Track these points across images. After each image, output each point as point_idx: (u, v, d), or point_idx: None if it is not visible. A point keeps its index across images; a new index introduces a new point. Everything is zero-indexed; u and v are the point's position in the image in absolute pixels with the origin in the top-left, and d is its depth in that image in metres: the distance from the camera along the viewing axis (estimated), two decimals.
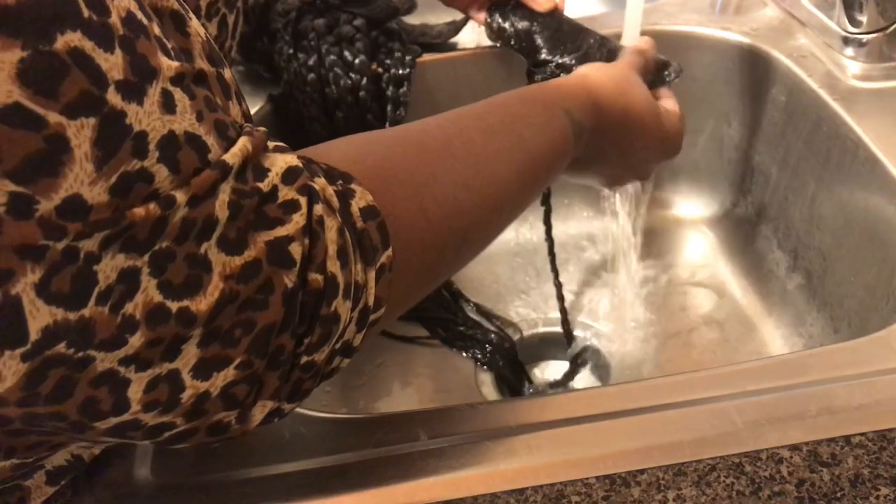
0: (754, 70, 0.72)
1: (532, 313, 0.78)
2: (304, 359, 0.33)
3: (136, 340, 0.27)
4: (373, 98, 0.69)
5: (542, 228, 0.73)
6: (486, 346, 0.73)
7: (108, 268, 0.26)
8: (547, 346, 0.76)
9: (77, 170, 0.24)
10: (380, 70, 0.70)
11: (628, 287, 0.77)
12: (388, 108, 0.70)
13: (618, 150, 0.55)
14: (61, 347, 0.25)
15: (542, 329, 0.77)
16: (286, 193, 0.31)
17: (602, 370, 0.73)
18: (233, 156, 0.29)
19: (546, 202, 0.71)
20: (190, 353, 0.29)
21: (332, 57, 0.68)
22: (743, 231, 0.78)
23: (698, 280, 0.79)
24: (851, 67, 0.66)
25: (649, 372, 0.71)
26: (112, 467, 0.41)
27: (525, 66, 0.66)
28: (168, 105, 0.27)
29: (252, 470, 0.41)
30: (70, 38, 0.23)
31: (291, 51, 0.69)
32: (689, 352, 0.73)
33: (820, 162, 0.66)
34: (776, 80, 0.70)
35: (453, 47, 0.76)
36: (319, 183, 0.33)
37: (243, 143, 0.30)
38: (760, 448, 0.39)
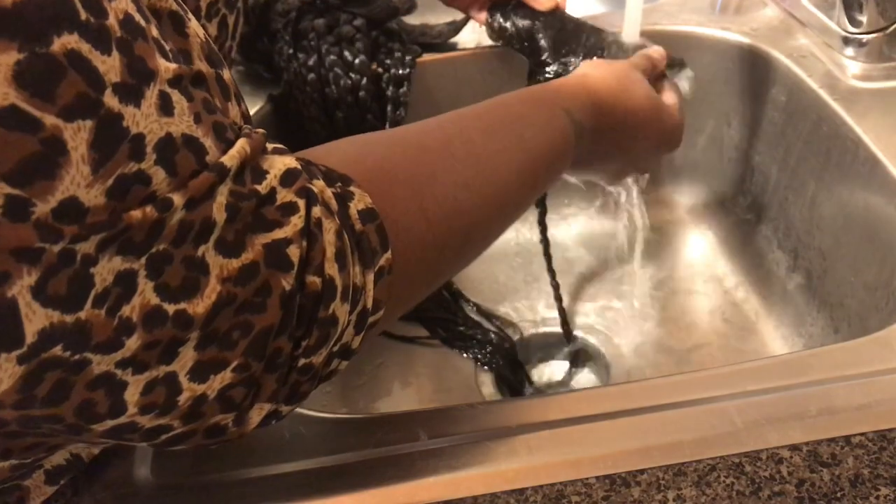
0: (754, 70, 0.72)
1: (532, 313, 0.78)
2: (302, 361, 0.32)
3: (132, 343, 0.27)
4: (373, 98, 0.69)
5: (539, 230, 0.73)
6: (486, 346, 0.73)
7: (105, 270, 0.26)
8: (547, 346, 0.76)
9: (73, 172, 0.24)
10: (380, 70, 0.70)
11: (628, 287, 0.77)
12: (388, 108, 0.70)
13: (619, 147, 0.55)
14: (57, 350, 0.25)
15: (542, 329, 0.77)
16: (284, 196, 0.31)
17: (602, 370, 0.73)
18: (231, 158, 0.29)
19: (541, 203, 0.71)
20: (187, 356, 0.29)
21: (332, 57, 0.68)
22: (743, 231, 0.78)
23: (698, 280, 0.79)
24: (851, 67, 0.66)
25: (649, 372, 0.71)
26: (112, 467, 0.41)
27: (526, 67, 0.66)
28: (165, 107, 0.26)
29: (252, 470, 0.41)
30: (67, 41, 0.23)
31: (291, 51, 0.69)
32: (689, 352, 0.73)
33: (820, 162, 0.65)
34: (776, 80, 0.70)
35: (453, 47, 0.76)
36: (318, 185, 0.33)
37: (241, 145, 0.30)
38: (760, 448, 0.39)
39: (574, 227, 0.83)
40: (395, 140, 0.42)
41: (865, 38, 0.65)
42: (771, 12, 0.75)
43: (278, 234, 0.30)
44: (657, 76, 0.60)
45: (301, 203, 0.31)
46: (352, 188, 0.35)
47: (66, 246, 0.24)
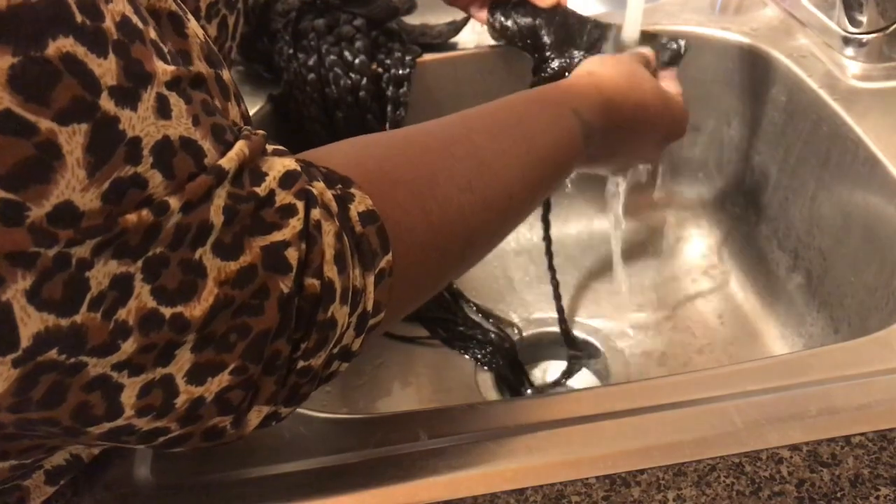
0: (754, 70, 0.72)
1: (532, 313, 0.78)
2: (301, 364, 0.32)
3: (128, 346, 0.27)
4: (373, 98, 0.69)
5: (542, 228, 0.73)
6: (486, 346, 0.73)
7: (101, 274, 0.25)
8: (547, 346, 0.76)
9: (69, 176, 0.24)
10: (380, 70, 0.69)
11: (628, 287, 0.77)
12: (388, 108, 0.70)
13: (628, 143, 0.55)
14: (53, 353, 0.25)
15: (542, 329, 0.77)
16: (283, 198, 0.31)
17: (602, 370, 0.73)
18: (229, 160, 0.29)
19: (545, 200, 0.70)
20: (184, 359, 0.29)
21: (332, 57, 0.68)
22: (743, 231, 0.78)
23: (698, 280, 0.79)
24: (851, 67, 0.66)
25: (649, 372, 0.71)
26: (112, 467, 0.41)
27: (528, 67, 0.66)
28: (163, 110, 0.26)
29: (252, 470, 0.41)
30: (62, 44, 0.23)
31: (291, 51, 0.69)
32: (689, 352, 0.73)
33: (820, 162, 0.65)
34: (776, 80, 0.70)
35: (453, 47, 0.76)
36: (318, 187, 0.33)
37: (240, 147, 0.30)
38: (760, 448, 0.39)
39: (574, 227, 0.83)
40: (396, 141, 0.41)
41: (865, 38, 0.65)
42: (771, 12, 0.75)
43: (277, 236, 0.30)
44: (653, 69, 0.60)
45: (300, 205, 0.31)
46: (352, 190, 0.35)
47: (61, 250, 0.24)
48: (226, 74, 0.32)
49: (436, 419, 0.43)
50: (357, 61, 0.68)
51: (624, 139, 0.53)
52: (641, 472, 0.39)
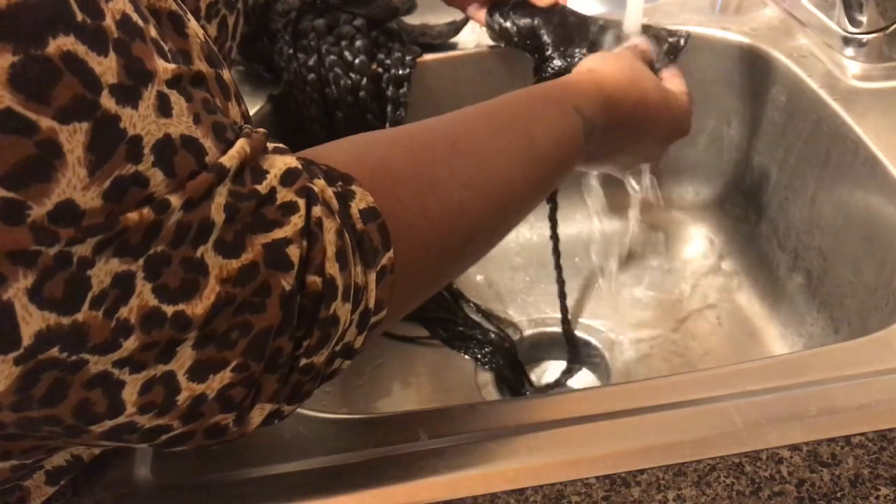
0: (754, 70, 0.72)
1: (532, 313, 0.78)
2: (303, 361, 0.32)
3: (130, 344, 0.27)
4: (373, 98, 0.69)
5: (542, 229, 0.73)
6: (486, 346, 0.73)
7: (102, 272, 0.25)
8: (547, 346, 0.76)
9: (70, 175, 0.24)
10: (380, 70, 0.69)
11: (628, 287, 0.77)
12: (388, 108, 0.70)
13: (630, 140, 0.55)
14: (54, 352, 0.25)
15: (542, 329, 0.77)
16: (284, 195, 0.31)
17: (602, 370, 0.73)
18: (230, 158, 0.29)
19: (552, 199, 0.70)
20: (185, 356, 0.29)
21: (332, 57, 0.68)
22: (743, 231, 0.78)
23: (698, 280, 0.79)
24: (851, 67, 0.66)
25: (649, 372, 0.71)
26: (112, 467, 0.41)
27: (528, 66, 0.66)
28: (164, 108, 0.26)
29: (252, 470, 0.41)
30: (63, 42, 0.23)
31: (291, 51, 0.69)
32: (689, 352, 0.73)
33: (820, 162, 0.65)
34: (776, 80, 0.70)
35: (453, 47, 0.76)
36: (318, 184, 0.33)
37: (241, 144, 0.30)
38: (760, 448, 0.39)
39: (574, 227, 0.83)
40: (397, 139, 0.41)
41: (865, 38, 0.65)
42: (771, 12, 0.75)
43: (278, 233, 0.30)
44: (662, 57, 0.60)
45: (301, 202, 0.31)
46: (353, 187, 0.35)
47: (63, 248, 0.24)
48: (226, 74, 0.32)
49: (436, 419, 0.43)
50: (357, 61, 0.68)
51: (625, 136, 0.53)
52: (641, 472, 0.39)
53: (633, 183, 0.67)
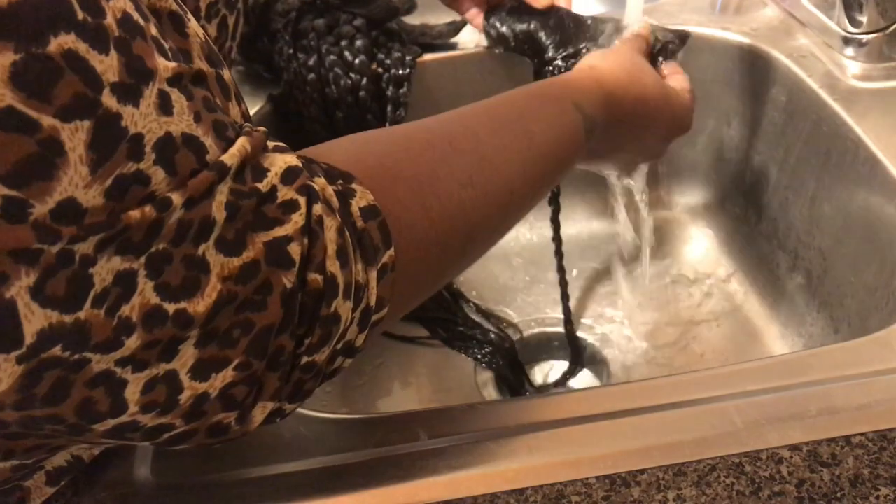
0: (754, 70, 0.72)
1: (532, 313, 0.78)
2: (305, 359, 0.32)
3: (132, 342, 0.27)
4: (373, 98, 0.69)
5: (542, 229, 0.73)
6: (486, 346, 0.73)
7: (104, 270, 0.26)
8: (547, 346, 0.76)
9: (71, 173, 0.24)
10: (380, 70, 0.69)
11: (628, 287, 0.77)
12: (388, 108, 0.70)
13: (630, 137, 0.55)
14: (57, 350, 0.25)
15: (542, 329, 0.77)
16: (285, 193, 0.31)
17: (602, 370, 0.73)
18: (231, 156, 0.29)
19: (554, 201, 0.70)
20: (187, 354, 0.29)
21: (332, 57, 0.68)
22: (743, 231, 0.78)
23: (698, 280, 0.79)
24: (851, 67, 0.66)
25: (649, 372, 0.71)
26: (112, 467, 0.41)
27: (528, 66, 0.66)
28: (165, 106, 0.26)
29: (252, 470, 0.41)
30: (64, 41, 0.23)
31: (291, 51, 0.69)
32: (689, 352, 0.73)
33: (820, 162, 0.66)
34: (776, 80, 0.70)
35: (453, 47, 0.76)
36: (319, 182, 0.33)
37: (242, 143, 0.30)
38: (760, 448, 0.39)
39: (574, 227, 0.83)
40: (397, 137, 0.41)
41: (865, 38, 0.65)
42: (771, 12, 0.75)
43: (279, 231, 0.30)
44: (661, 53, 0.60)
45: (302, 200, 0.31)
46: (353, 185, 0.35)
47: (65, 247, 0.24)
48: (226, 74, 0.32)
49: (436, 419, 0.43)
50: (357, 61, 0.68)
51: (625, 133, 0.53)
52: (641, 472, 0.39)
53: (633, 183, 0.67)
